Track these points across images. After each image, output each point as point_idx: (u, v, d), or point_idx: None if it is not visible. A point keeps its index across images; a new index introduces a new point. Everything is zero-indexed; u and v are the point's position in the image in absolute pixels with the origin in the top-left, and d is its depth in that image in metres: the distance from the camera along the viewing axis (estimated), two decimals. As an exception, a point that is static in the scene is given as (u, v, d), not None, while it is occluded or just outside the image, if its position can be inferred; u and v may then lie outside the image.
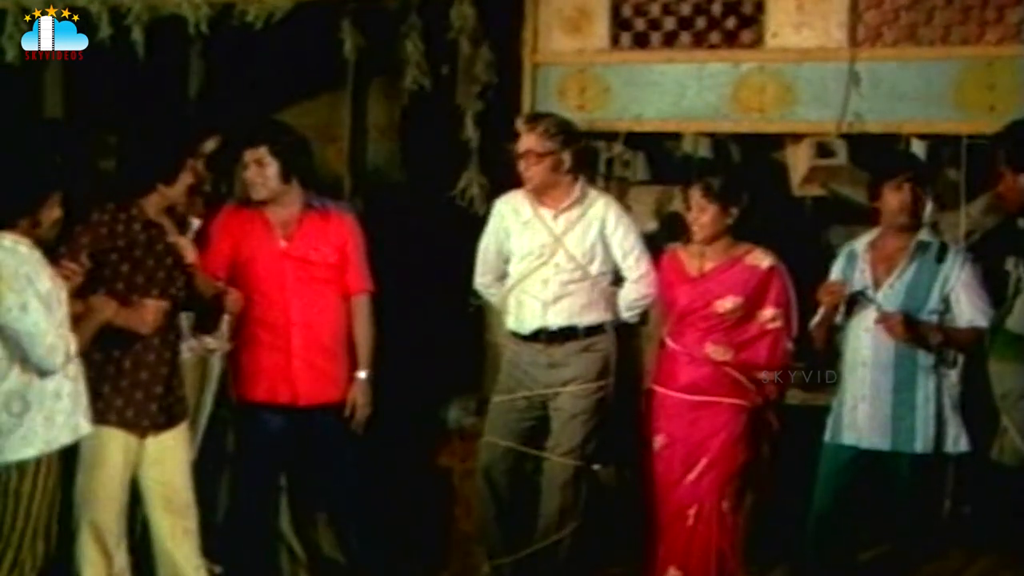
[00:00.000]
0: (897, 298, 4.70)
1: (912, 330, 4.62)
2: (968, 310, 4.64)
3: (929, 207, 4.78)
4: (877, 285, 4.75)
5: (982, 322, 4.58)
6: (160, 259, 4.56)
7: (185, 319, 4.82)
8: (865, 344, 4.74)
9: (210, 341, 4.99)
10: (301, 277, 4.98)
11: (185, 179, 4.59)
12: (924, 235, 4.74)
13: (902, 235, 4.74)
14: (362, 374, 5.08)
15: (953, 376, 4.72)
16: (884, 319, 4.66)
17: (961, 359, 5.00)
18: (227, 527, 5.12)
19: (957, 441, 4.70)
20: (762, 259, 4.99)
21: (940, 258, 4.68)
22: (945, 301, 4.67)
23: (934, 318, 4.67)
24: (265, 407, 4.98)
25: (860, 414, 4.75)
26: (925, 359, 4.67)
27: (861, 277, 4.79)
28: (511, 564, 5.14)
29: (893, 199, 4.72)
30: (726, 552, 5.01)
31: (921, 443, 4.67)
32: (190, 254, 4.63)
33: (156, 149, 4.63)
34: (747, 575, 5.10)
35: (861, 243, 4.86)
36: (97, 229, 4.47)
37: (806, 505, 4.88)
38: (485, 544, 5.22)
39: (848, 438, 4.78)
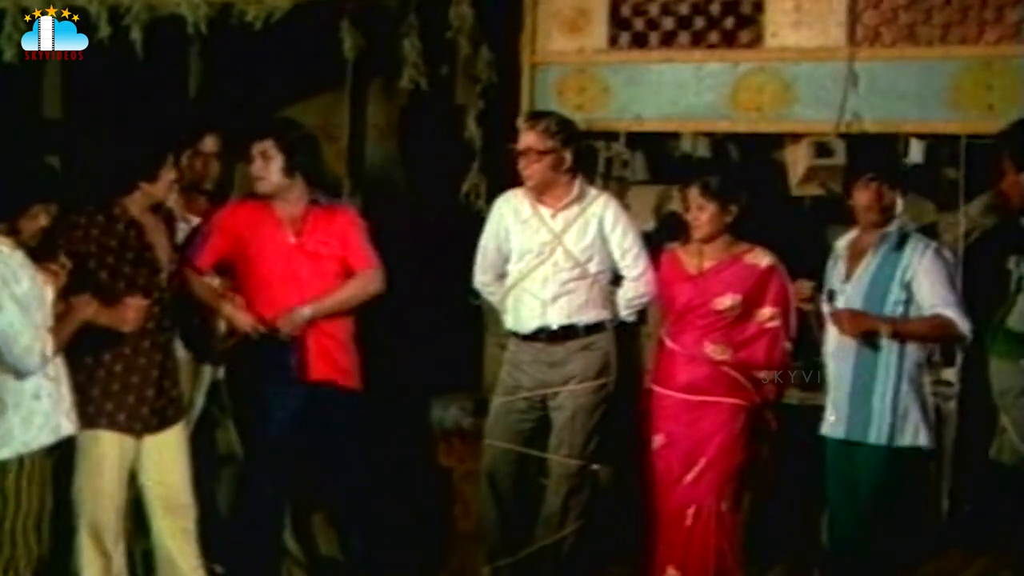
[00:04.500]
0: (862, 290, 4.74)
1: (859, 323, 4.66)
2: (929, 297, 4.65)
3: (899, 203, 4.81)
4: (848, 280, 4.80)
5: (945, 310, 4.61)
6: (139, 260, 4.56)
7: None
8: (832, 336, 4.80)
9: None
10: (313, 271, 4.98)
11: (167, 176, 4.59)
12: (889, 228, 4.76)
13: (874, 231, 4.79)
14: (306, 310, 4.95)
15: (916, 369, 4.72)
16: (832, 315, 4.72)
17: (960, 358, 5.03)
18: (228, 526, 5.13)
19: (916, 435, 4.70)
20: (761, 258, 4.99)
21: (899, 246, 4.70)
22: (907, 289, 4.69)
23: (899, 309, 4.69)
24: (275, 387, 4.95)
25: (829, 405, 4.81)
26: (887, 352, 4.69)
27: (837, 273, 4.86)
28: (512, 565, 5.14)
29: (861, 197, 4.78)
30: (725, 552, 5.01)
31: (875, 434, 4.69)
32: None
33: (135, 147, 4.64)
34: (746, 575, 5.10)
35: (843, 241, 4.93)
36: (72, 231, 4.48)
37: (805, 504, 4.89)
38: (486, 545, 5.21)
39: (823, 428, 4.83)
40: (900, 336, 4.67)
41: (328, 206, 5.07)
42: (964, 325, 4.62)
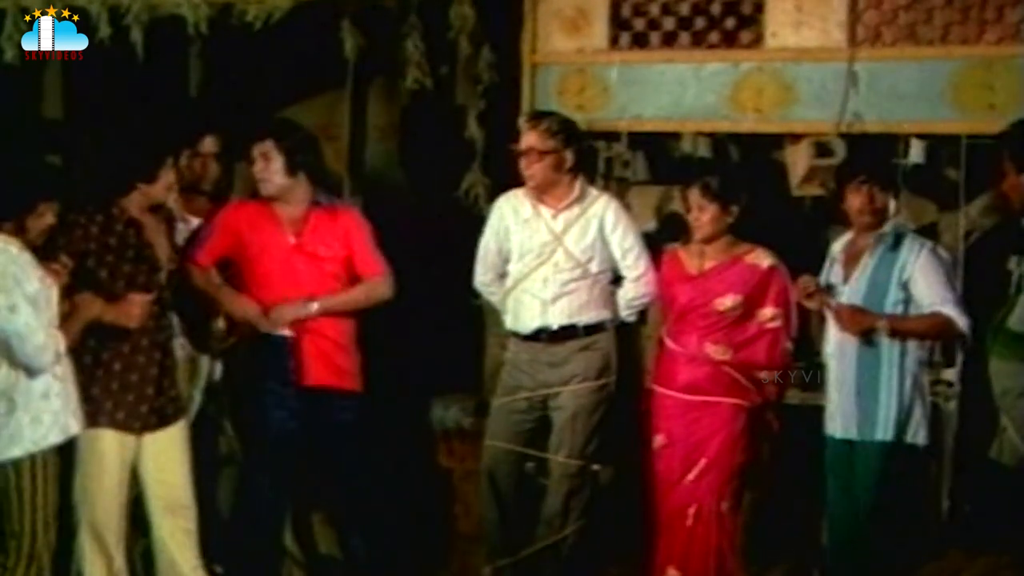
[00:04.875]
0: (860, 291, 4.76)
1: (860, 320, 4.67)
2: (927, 295, 4.67)
3: (892, 205, 4.83)
4: (846, 282, 4.81)
5: (943, 308, 4.64)
6: (139, 258, 4.56)
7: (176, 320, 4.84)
8: (833, 337, 4.82)
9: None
10: (312, 272, 4.99)
11: (166, 178, 4.59)
12: (884, 229, 4.77)
13: (869, 234, 4.81)
14: (313, 306, 4.96)
15: (918, 367, 4.73)
16: (835, 311, 4.73)
17: (960, 358, 5.03)
18: (228, 526, 5.13)
19: (916, 433, 4.73)
20: (763, 258, 4.99)
21: (895, 246, 4.70)
22: (905, 289, 4.70)
23: (899, 309, 4.71)
24: (273, 391, 4.96)
25: (833, 404, 4.83)
26: (889, 350, 4.71)
27: (834, 276, 4.88)
28: (512, 565, 5.14)
29: (854, 200, 4.80)
30: (725, 552, 5.01)
31: (882, 431, 4.71)
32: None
33: (134, 148, 4.64)
34: (746, 575, 5.10)
35: (839, 244, 4.95)
36: (72, 231, 4.48)
37: (805, 504, 4.89)
38: (486, 546, 5.22)
39: (829, 428, 4.84)
40: (898, 333, 4.69)
41: (330, 207, 5.09)
42: (962, 322, 4.64)
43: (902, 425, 4.71)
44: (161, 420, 4.61)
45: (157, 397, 4.60)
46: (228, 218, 5.03)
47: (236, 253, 5.00)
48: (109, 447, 4.52)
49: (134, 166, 4.58)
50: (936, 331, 4.73)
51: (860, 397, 4.74)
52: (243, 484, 5.17)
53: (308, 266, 4.98)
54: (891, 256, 4.73)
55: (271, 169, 4.94)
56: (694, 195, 4.98)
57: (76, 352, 4.36)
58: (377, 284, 5.08)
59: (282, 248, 4.98)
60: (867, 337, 4.71)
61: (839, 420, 4.80)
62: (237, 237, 4.99)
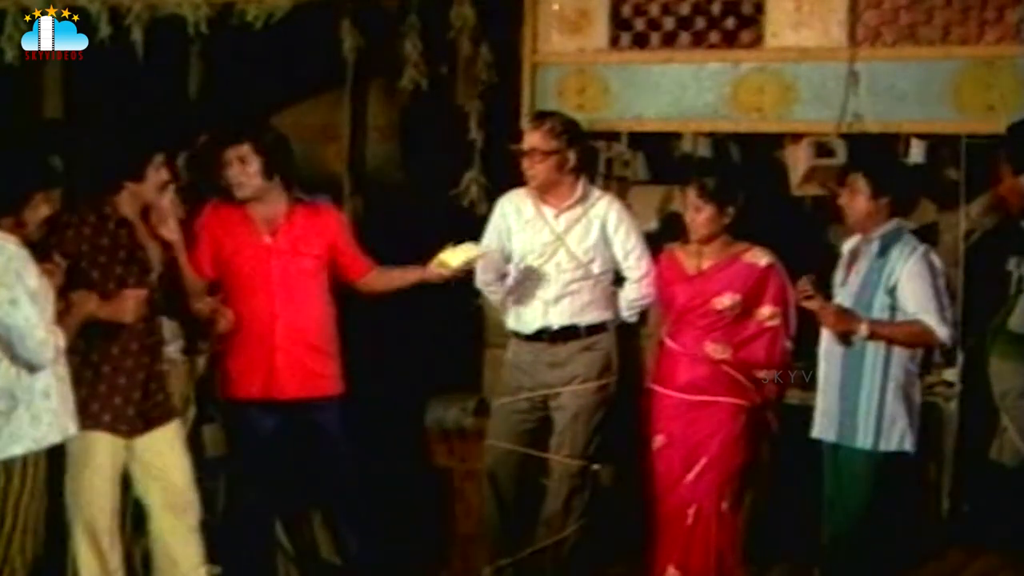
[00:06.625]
0: (852, 293, 4.72)
1: (841, 320, 4.64)
2: (910, 302, 4.59)
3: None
4: (843, 284, 4.80)
5: (924, 316, 4.56)
6: (131, 259, 4.55)
7: (167, 325, 4.82)
8: (824, 337, 4.79)
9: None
10: (288, 272, 4.98)
11: (155, 177, 4.56)
12: (874, 233, 4.74)
13: (870, 236, 4.76)
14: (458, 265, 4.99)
15: (903, 374, 4.67)
16: (821, 310, 4.70)
17: (961, 358, 5.03)
18: (224, 526, 5.13)
19: (901, 441, 4.66)
20: (760, 257, 4.99)
21: (884, 251, 4.68)
22: (891, 294, 4.65)
23: (885, 314, 4.65)
24: (253, 403, 4.98)
25: (818, 406, 4.80)
26: (873, 356, 4.66)
27: (837, 277, 4.85)
28: (513, 564, 5.14)
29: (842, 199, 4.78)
30: (725, 551, 5.01)
31: (861, 438, 4.66)
32: (169, 232, 4.62)
33: (120, 146, 4.62)
34: (746, 574, 5.10)
35: (848, 244, 4.91)
36: (65, 231, 4.46)
37: (805, 504, 4.89)
38: (488, 545, 5.22)
39: (814, 430, 4.82)
40: (876, 337, 4.63)
41: (311, 204, 5.08)
42: (942, 332, 4.56)
43: (881, 432, 4.65)
44: (147, 424, 4.58)
45: (143, 401, 4.56)
46: (208, 221, 5.01)
47: (216, 256, 4.99)
48: (98, 449, 4.48)
49: (120, 164, 4.55)
50: (915, 339, 4.63)
51: (843, 400, 4.70)
52: (230, 486, 5.17)
53: (282, 264, 4.97)
54: (881, 261, 4.67)
55: (248, 172, 4.92)
56: (691, 195, 4.98)
57: (65, 354, 4.35)
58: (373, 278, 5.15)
59: (257, 248, 4.98)
60: (852, 340, 4.69)
61: (824, 422, 4.77)
62: (216, 240, 4.99)
